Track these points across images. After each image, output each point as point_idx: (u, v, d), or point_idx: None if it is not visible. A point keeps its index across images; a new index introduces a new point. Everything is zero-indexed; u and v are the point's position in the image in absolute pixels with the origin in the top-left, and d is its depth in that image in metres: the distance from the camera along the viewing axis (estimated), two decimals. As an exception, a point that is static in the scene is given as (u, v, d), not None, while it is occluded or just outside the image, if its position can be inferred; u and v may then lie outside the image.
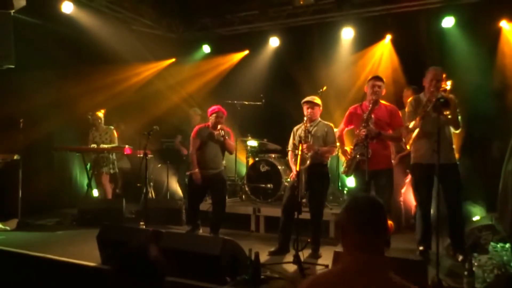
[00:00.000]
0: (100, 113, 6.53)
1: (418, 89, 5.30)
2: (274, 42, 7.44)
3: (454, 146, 4.08)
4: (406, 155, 5.21)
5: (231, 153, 5.41)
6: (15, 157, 5.61)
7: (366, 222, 1.53)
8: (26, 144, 5.88)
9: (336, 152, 5.44)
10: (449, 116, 3.67)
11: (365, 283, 1.44)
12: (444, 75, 3.94)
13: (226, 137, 5.09)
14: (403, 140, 4.38)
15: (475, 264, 3.21)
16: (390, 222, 1.33)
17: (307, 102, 4.43)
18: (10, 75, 5.22)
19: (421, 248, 4.09)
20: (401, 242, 4.77)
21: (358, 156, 4.02)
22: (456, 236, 4.02)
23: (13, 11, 4.24)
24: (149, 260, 1.60)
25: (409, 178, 5.41)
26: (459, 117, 3.93)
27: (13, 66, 4.71)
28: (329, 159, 4.58)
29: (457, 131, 4.00)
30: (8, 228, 5.38)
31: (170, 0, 7.20)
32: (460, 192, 4.00)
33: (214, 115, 5.12)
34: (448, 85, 3.82)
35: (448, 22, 6.18)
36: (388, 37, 6.72)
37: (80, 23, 6.48)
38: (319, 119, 4.52)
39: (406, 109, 4.21)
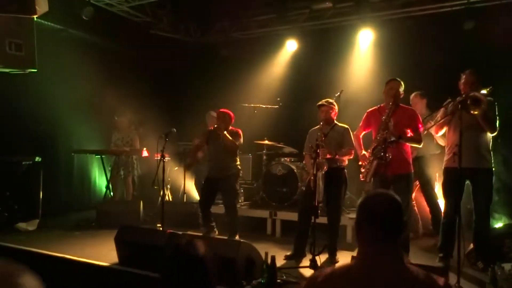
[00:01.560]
0: (125, 118, 6.63)
1: (425, 94, 5.23)
2: (291, 45, 7.43)
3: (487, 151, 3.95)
4: (414, 158, 5.11)
5: (231, 150, 5.13)
6: (37, 158, 5.73)
7: (381, 216, 1.53)
8: (48, 146, 6.01)
9: (353, 156, 5.38)
10: (476, 113, 3.55)
11: (383, 274, 1.44)
12: (479, 79, 3.87)
13: (225, 133, 4.95)
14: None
15: (498, 272, 3.12)
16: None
17: (322, 105, 4.40)
18: (32, 79, 5.34)
19: (441, 254, 4.00)
20: (420, 248, 4.69)
21: (377, 160, 3.95)
22: (479, 243, 3.91)
23: (36, 16, 4.33)
24: (204, 268, 1.59)
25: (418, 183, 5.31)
26: (496, 120, 3.84)
27: (35, 70, 4.81)
28: (346, 161, 4.52)
29: (493, 134, 3.90)
30: (29, 228, 5.50)
31: (188, 5, 7.28)
32: (489, 199, 3.89)
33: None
34: (487, 90, 3.75)
35: (469, 25, 6.05)
36: (407, 40, 6.62)
37: (100, 27, 6.60)
38: (335, 121, 4.48)
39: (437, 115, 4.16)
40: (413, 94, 5.25)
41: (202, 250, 1.70)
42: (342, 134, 4.37)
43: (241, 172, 5.29)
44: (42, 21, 5.07)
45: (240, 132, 5.18)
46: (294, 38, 7.37)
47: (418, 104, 5.17)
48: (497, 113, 3.87)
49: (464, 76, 3.96)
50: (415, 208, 5.33)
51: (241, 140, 5.16)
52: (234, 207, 5.16)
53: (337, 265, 3.98)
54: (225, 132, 4.98)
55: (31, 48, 4.72)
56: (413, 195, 5.29)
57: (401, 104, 4.14)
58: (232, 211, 5.11)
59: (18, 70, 4.80)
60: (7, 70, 4.80)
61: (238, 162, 5.27)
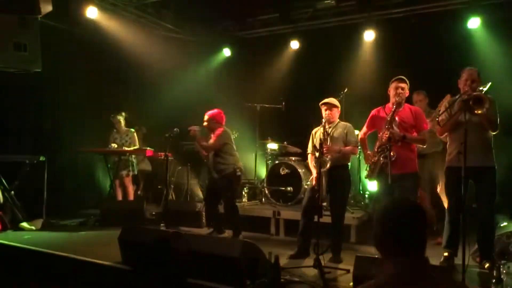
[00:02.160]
0: (121, 116, 6.62)
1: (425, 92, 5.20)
2: (294, 45, 7.42)
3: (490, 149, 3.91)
4: (418, 156, 5.07)
5: (203, 153, 5.28)
6: (41, 158, 5.75)
7: (409, 230, 1.43)
8: (52, 145, 6.03)
9: (358, 155, 5.36)
10: (480, 112, 3.52)
11: None
12: (480, 76, 3.84)
13: (198, 136, 5.03)
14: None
15: (503, 271, 3.10)
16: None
17: (325, 103, 4.39)
18: (37, 79, 5.37)
19: (445, 254, 3.98)
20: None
21: (381, 159, 3.93)
22: (484, 242, 3.88)
23: (40, 16, 4.36)
24: (170, 260, 1.61)
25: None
26: (497, 119, 3.80)
27: (40, 70, 4.83)
28: (350, 160, 4.51)
29: (494, 133, 3.88)
30: (33, 228, 5.52)
31: (192, 5, 7.28)
32: (493, 197, 3.86)
33: None
34: (486, 86, 3.71)
35: (474, 23, 6.02)
36: (410, 38, 6.60)
37: (105, 27, 6.62)
38: (338, 120, 4.47)
39: (439, 108, 4.11)
40: (415, 92, 5.22)
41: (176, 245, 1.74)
42: (345, 132, 4.35)
43: (239, 171, 5.13)
44: (46, 21, 5.08)
45: (217, 132, 5.07)
46: (297, 37, 7.35)
47: (422, 102, 5.15)
48: (497, 111, 3.84)
49: (463, 74, 3.92)
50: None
51: (215, 140, 5.05)
52: (231, 206, 5.12)
53: (340, 266, 3.97)
54: (202, 143, 5.09)
55: (36, 48, 4.74)
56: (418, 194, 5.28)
57: (406, 103, 4.12)
58: (228, 211, 5.09)
59: (22, 70, 4.82)
60: (12, 70, 4.82)
61: (233, 162, 5.11)
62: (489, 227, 3.88)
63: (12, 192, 5.57)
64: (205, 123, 5.14)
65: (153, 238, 3.80)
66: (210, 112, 5.16)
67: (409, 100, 4.99)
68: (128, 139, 6.59)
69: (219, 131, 5.08)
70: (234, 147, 5.24)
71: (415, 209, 1.49)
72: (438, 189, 5.09)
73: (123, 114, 6.64)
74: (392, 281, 1.41)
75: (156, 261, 1.61)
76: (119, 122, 6.60)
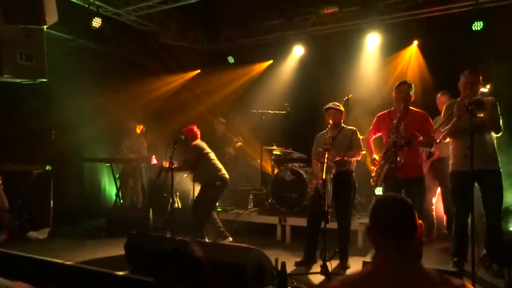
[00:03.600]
0: (134, 123, 6.69)
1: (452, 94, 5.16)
2: (298, 51, 7.43)
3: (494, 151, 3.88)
4: (436, 160, 5.04)
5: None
6: (47, 167, 5.78)
7: (392, 222, 1.51)
8: (58, 155, 6.06)
9: (364, 159, 5.33)
10: (482, 116, 3.50)
11: (399, 279, 1.42)
12: (480, 78, 3.81)
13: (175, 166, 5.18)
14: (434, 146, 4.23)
15: (514, 276, 3.05)
16: (419, 222, 1.28)
17: (329, 108, 4.38)
18: (42, 89, 5.41)
19: (455, 259, 3.93)
20: (433, 252, 4.62)
21: (387, 164, 3.90)
22: (493, 246, 3.83)
23: (46, 26, 4.39)
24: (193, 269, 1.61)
25: (439, 188, 5.24)
26: (500, 120, 3.78)
27: (45, 80, 4.87)
28: (355, 165, 4.48)
29: (498, 135, 3.84)
30: (40, 237, 5.54)
31: (195, 13, 7.34)
32: (500, 200, 3.82)
33: None
34: (487, 88, 3.69)
35: (478, 26, 6.01)
36: (415, 42, 6.61)
37: (109, 37, 6.68)
38: (343, 125, 4.46)
39: (442, 115, 4.08)
40: (440, 93, 5.17)
41: (199, 253, 1.75)
42: (350, 136, 4.34)
43: (219, 181, 5.34)
44: (52, 31, 5.13)
45: (190, 150, 5.36)
46: (301, 43, 7.37)
47: (447, 103, 5.10)
48: (499, 112, 3.81)
49: (463, 77, 3.89)
50: (433, 213, 5.25)
51: (189, 158, 5.36)
52: (198, 211, 5.25)
53: (348, 271, 3.94)
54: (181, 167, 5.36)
55: (41, 58, 4.78)
56: (435, 199, 5.23)
57: (411, 107, 4.09)
58: (195, 213, 5.26)
59: (28, 80, 4.86)
60: (18, 80, 4.86)
61: (211, 173, 5.34)
62: (496, 230, 3.83)
63: (20, 201, 5.60)
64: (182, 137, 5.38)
65: (159, 245, 3.79)
66: (184, 129, 5.44)
67: (417, 103, 4.97)
68: (137, 148, 6.63)
69: (191, 148, 5.36)
70: (212, 157, 5.44)
71: (400, 203, 1.55)
72: None
73: (141, 126, 6.72)
74: (378, 268, 1.49)
75: (177, 269, 1.61)
76: (135, 130, 6.67)
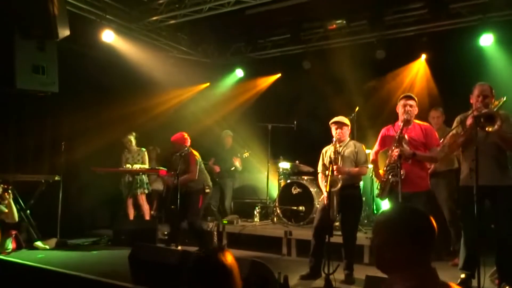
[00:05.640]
0: (131, 136, 6.75)
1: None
2: (306, 65, 7.48)
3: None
4: (431, 174, 4.97)
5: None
6: (56, 177, 5.85)
7: (412, 233, 1.35)
8: (67, 165, 6.14)
9: (370, 174, 5.30)
10: (491, 130, 3.45)
11: None
12: (493, 91, 3.77)
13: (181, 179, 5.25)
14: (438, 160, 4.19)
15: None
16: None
17: (335, 122, 4.37)
18: (54, 100, 5.52)
19: (463, 275, 3.85)
20: (441, 269, 4.53)
21: (391, 177, 3.87)
22: (504, 265, 3.74)
23: (58, 40, 4.51)
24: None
25: None
26: None
27: (56, 91, 4.97)
28: (361, 179, 4.45)
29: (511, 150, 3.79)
30: (47, 247, 5.58)
31: (205, 27, 7.46)
32: None
33: None
34: (501, 101, 3.64)
35: (487, 39, 5.99)
36: (423, 56, 6.61)
37: (120, 50, 6.81)
38: (349, 139, 4.45)
39: (452, 127, 4.04)
40: (433, 109, 5.16)
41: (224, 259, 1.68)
42: (356, 151, 4.32)
43: (208, 188, 5.51)
44: (64, 44, 5.27)
45: (192, 157, 5.38)
46: (309, 57, 7.42)
47: (439, 119, 5.08)
48: None
49: (475, 90, 3.85)
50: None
51: (191, 166, 5.35)
52: (191, 215, 5.29)
53: (353, 287, 3.87)
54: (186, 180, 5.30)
55: (53, 71, 4.89)
56: None
57: (415, 121, 4.08)
58: (193, 225, 5.29)
59: (40, 92, 4.97)
60: (30, 92, 4.98)
61: (203, 180, 5.48)
62: (508, 248, 3.75)
63: (28, 211, 5.67)
64: (177, 149, 5.44)
65: (164, 257, 3.79)
66: (173, 137, 5.50)
67: (425, 116, 4.93)
68: (140, 158, 6.68)
69: (192, 158, 5.39)
70: (202, 165, 5.59)
71: (425, 215, 1.43)
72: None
73: (134, 134, 6.77)
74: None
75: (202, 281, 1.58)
76: (130, 141, 6.72)
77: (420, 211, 1.46)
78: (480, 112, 3.52)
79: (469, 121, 3.68)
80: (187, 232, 5.50)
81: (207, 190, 5.54)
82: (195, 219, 5.38)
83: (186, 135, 5.53)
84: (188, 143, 5.50)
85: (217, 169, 6.82)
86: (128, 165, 6.57)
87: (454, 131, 3.89)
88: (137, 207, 6.72)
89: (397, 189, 3.76)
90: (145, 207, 6.67)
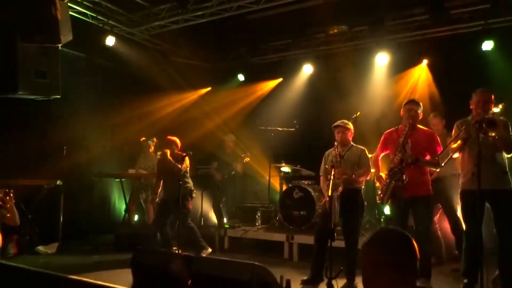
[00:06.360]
0: (152, 141, 6.76)
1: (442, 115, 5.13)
2: (307, 69, 7.50)
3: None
4: (435, 179, 4.97)
5: (175, 173, 5.39)
6: (58, 182, 5.86)
7: (392, 262, 1.45)
8: (69, 170, 6.15)
9: (372, 178, 5.29)
10: (493, 135, 3.45)
11: None
12: (493, 97, 3.78)
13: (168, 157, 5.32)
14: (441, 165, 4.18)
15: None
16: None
17: (338, 126, 4.37)
18: (56, 105, 5.54)
19: (465, 281, 3.83)
20: (443, 274, 4.51)
21: (393, 182, 3.86)
22: (506, 269, 3.73)
23: (60, 45, 4.53)
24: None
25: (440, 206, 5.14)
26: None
27: (59, 96, 4.98)
28: (363, 184, 4.45)
29: (509, 155, 3.78)
30: (48, 251, 5.58)
31: (207, 32, 7.50)
32: None
33: None
34: (499, 107, 3.65)
35: (488, 45, 6.01)
36: (425, 61, 6.63)
37: (122, 55, 6.84)
38: (351, 143, 4.44)
39: (453, 132, 4.04)
40: (432, 114, 5.17)
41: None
42: (358, 155, 4.32)
43: (193, 193, 5.53)
44: (66, 49, 5.30)
45: (187, 157, 5.38)
46: (311, 62, 7.45)
47: (438, 125, 5.08)
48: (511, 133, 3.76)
49: (475, 95, 3.85)
50: (439, 232, 5.15)
51: (185, 164, 5.35)
52: (184, 219, 5.31)
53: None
54: (170, 157, 5.31)
55: (56, 76, 4.90)
56: (437, 218, 5.14)
57: (419, 126, 4.08)
58: (186, 228, 5.30)
59: (43, 97, 4.99)
60: (32, 97, 4.99)
61: (190, 185, 5.49)
62: (510, 253, 3.74)
63: (30, 216, 5.67)
64: (169, 146, 5.46)
65: (165, 261, 3.79)
66: (172, 138, 5.55)
67: (425, 120, 4.94)
68: (151, 164, 6.68)
69: (186, 156, 5.40)
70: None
71: (407, 240, 1.52)
72: (458, 213, 4.95)
73: (154, 139, 6.79)
74: None
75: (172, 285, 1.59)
76: (149, 146, 6.75)
77: (402, 235, 1.51)
78: (482, 118, 3.52)
79: (472, 127, 3.66)
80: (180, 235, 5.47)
81: (194, 195, 5.58)
82: (187, 224, 5.41)
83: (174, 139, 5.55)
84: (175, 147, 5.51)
85: (218, 176, 6.82)
86: (141, 170, 6.57)
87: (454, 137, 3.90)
88: (142, 211, 6.71)
89: (398, 194, 3.75)
90: (150, 213, 6.67)
